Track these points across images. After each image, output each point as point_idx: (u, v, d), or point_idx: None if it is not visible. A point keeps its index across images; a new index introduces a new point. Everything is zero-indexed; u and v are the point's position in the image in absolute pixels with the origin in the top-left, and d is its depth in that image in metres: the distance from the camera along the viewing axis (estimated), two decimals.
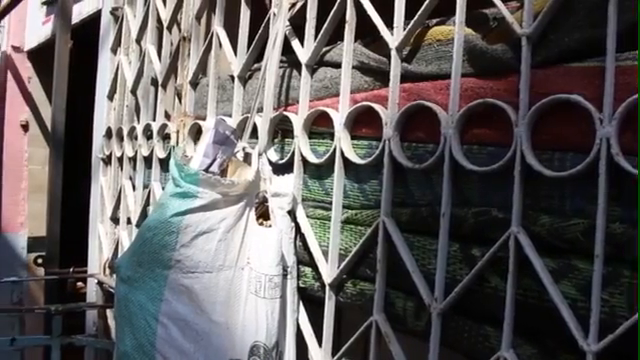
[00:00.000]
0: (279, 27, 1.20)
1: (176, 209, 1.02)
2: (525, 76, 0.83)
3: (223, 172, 1.09)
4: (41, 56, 3.75)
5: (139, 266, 1.07)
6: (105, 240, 2.06)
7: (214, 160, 1.06)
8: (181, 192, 1.02)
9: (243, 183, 1.06)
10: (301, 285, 1.20)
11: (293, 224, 1.17)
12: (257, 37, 1.33)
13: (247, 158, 1.19)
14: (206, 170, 1.05)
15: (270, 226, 1.12)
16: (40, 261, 2.42)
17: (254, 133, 1.25)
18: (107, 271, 2.02)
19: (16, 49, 3.85)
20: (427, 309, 0.94)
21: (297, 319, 1.18)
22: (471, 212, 0.90)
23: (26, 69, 3.88)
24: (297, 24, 1.26)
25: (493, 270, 0.87)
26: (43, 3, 3.48)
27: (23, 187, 3.91)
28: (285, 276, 1.12)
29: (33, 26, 3.74)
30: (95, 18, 2.54)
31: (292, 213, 1.18)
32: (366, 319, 1.05)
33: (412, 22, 1.01)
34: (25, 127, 3.89)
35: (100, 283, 2.04)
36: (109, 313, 2.02)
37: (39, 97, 3.91)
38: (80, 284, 2.62)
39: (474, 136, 0.92)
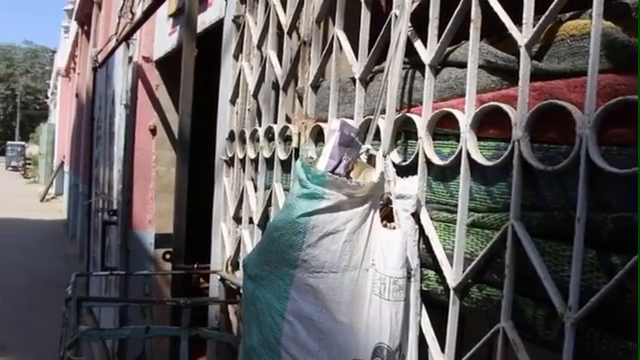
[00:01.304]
0: (402, 28, 1.20)
1: (303, 210, 1.04)
2: None
3: (348, 174, 1.11)
4: (167, 65, 4.00)
5: (266, 265, 1.11)
6: (227, 239, 2.14)
7: (340, 162, 1.08)
8: (308, 193, 1.05)
9: (368, 185, 1.07)
10: (424, 288, 1.18)
11: (417, 226, 1.16)
12: (378, 39, 1.33)
13: (371, 160, 1.20)
14: (332, 172, 1.06)
15: (394, 228, 1.12)
16: (168, 257, 2.57)
17: (376, 135, 1.25)
18: (229, 268, 2.11)
19: (146, 59, 4.13)
20: (560, 318, 0.89)
21: (420, 322, 1.17)
22: (610, 217, 0.85)
23: (154, 77, 4.15)
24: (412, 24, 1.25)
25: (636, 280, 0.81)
26: (169, 16, 3.71)
27: (151, 187, 4.19)
28: (409, 279, 1.11)
29: (160, 38, 4.00)
30: (217, 27, 2.67)
31: (416, 215, 1.17)
32: (492, 325, 1.02)
33: (543, 17, 0.96)
34: (153, 131, 4.16)
35: (223, 279, 2.13)
36: (230, 308, 2.10)
37: (165, 103, 4.17)
38: (201, 279, 2.76)
39: (613, 136, 0.86)
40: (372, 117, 1.24)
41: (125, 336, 2.11)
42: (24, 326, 5.85)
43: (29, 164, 29.86)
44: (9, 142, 37.53)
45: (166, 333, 2.12)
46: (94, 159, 6.10)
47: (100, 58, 5.79)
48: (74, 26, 12.88)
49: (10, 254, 9.21)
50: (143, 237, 4.18)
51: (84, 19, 10.42)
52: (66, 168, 14.56)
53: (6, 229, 11.73)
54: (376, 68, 1.37)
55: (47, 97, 31.03)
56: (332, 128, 1.10)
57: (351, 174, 1.12)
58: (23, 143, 35.92)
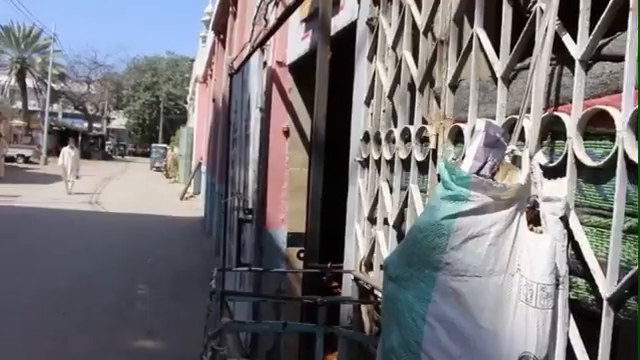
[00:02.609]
0: (548, 22, 1.14)
1: (447, 212, 1.03)
2: None
3: (493, 175, 1.07)
4: (300, 68, 4.12)
5: (408, 266, 1.10)
6: (361, 239, 2.16)
7: (485, 163, 1.05)
8: (452, 195, 1.03)
9: (514, 187, 1.03)
10: (572, 297, 1.12)
11: (565, 231, 1.10)
12: (522, 35, 1.28)
13: (516, 161, 1.16)
14: (477, 173, 1.04)
15: (541, 232, 1.07)
16: (302, 255, 2.64)
17: (521, 135, 1.21)
18: (363, 268, 2.12)
19: (279, 64, 4.28)
20: None
21: (568, 333, 1.11)
22: None
23: (287, 81, 4.29)
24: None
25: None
26: (302, 21, 3.82)
27: (284, 187, 4.34)
28: (557, 286, 1.06)
29: (293, 43, 4.13)
30: (349, 30, 2.70)
31: (564, 219, 1.10)
32: None
33: None
34: (286, 133, 4.30)
35: (356, 279, 2.15)
36: (363, 308, 2.11)
37: (298, 105, 4.29)
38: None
39: None
40: (516, 117, 1.19)
41: (263, 330, 2.19)
42: (167, 314, 6.31)
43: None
44: (153, 144, 40.76)
45: (302, 330, 2.17)
46: (230, 160, 6.41)
47: (235, 65, 6.09)
48: (211, 36, 13.68)
49: (155, 248, 10.00)
50: (276, 235, 4.32)
51: (220, 29, 11.03)
52: (203, 169, 15.46)
53: (152, 225, 12.75)
54: (519, 66, 1.32)
55: (186, 102, 33.26)
56: (477, 129, 1.07)
57: (496, 176, 1.08)
58: (165, 145, 38.80)
